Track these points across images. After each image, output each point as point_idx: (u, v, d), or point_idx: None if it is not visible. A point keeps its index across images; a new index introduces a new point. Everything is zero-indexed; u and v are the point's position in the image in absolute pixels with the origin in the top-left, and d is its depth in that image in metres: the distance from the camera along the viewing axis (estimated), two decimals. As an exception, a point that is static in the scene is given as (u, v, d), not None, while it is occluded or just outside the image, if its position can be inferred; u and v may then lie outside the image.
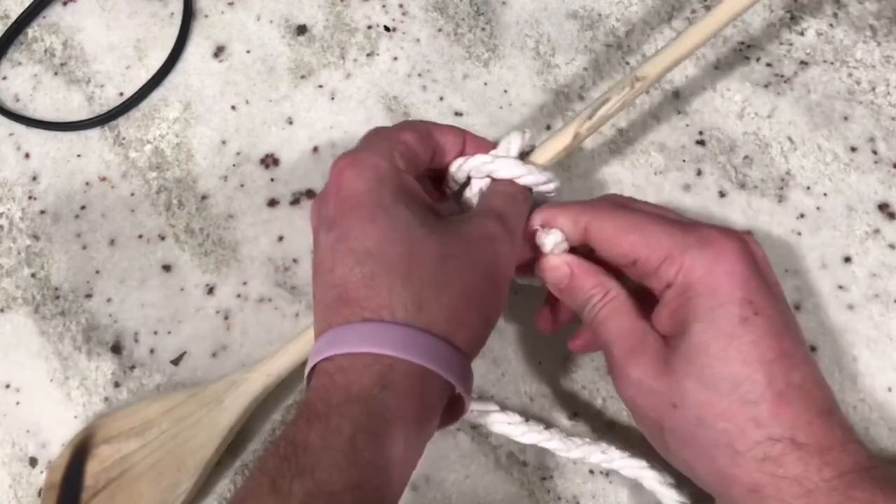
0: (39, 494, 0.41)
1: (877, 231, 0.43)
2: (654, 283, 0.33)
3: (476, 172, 0.37)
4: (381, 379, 0.29)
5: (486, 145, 0.38)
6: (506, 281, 0.33)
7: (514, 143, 0.38)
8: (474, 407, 0.36)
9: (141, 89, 0.48)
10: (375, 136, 0.35)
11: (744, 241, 0.32)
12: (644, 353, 0.33)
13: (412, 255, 0.31)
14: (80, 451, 0.40)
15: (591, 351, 0.40)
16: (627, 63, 0.47)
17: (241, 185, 0.46)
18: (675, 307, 0.32)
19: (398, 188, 0.33)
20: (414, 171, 0.35)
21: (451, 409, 0.32)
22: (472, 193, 0.38)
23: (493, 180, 0.37)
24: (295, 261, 0.44)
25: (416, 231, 0.31)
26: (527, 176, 0.37)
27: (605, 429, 0.41)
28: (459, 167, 0.37)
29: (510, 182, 0.37)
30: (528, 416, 0.38)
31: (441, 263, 0.31)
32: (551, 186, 0.37)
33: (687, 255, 0.32)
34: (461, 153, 0.37)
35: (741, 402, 0.30)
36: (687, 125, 0.46)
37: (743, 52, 0.47)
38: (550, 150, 0.38)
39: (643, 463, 0.37)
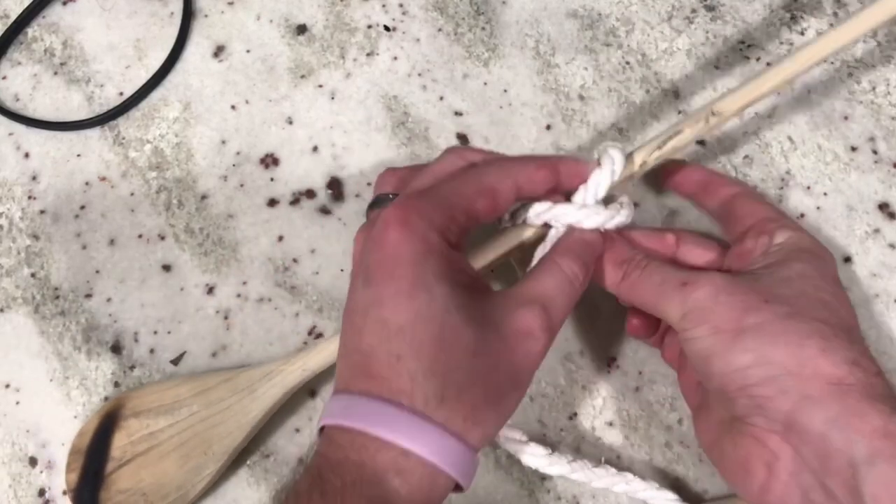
0: (40, 494, 0.41)
1: (877, 231, 0.43)
2: (752, 240, 0.36)
3: (555, 222, 0.36)
4: (394, 465, 0.29)
5: (582, 170, 0.36)
6: (530, 378, 0.33)
7: (618, 165, 0.36)
8: (503, 433, 0.37)
9: (141, 89, 0.48)
10: (438, 191, 0.33)
11: None
12: (716, 274, 0.34)
13: (442, 342, 0.30)
14: (109, 421, 0.40)
15: (643, 333, 0.39)
16: (627, 63, 0.47)
17: (241, 185, 0.46)
18: (774, 250, 0.35)
19: (443, 267, 0.31)
20: (471, 230, 0.34)
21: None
22: (549, 238, 0.36)
23: (565, 233, 0.36)
24: (295, 261, 0.44)
25: (452, 317, 0.31)
26: (611, 222, 0.36)
27: (605, 428, 0.41)
28: (538, 215, 0.36)
29: (578, 242, 0.35)
30: (529, 417, 0.38)
31: (471, 358, 0.30)
32: (627, 218, 0.37)
33: (801, 230, 0.36)
34: (554, 189, 0.36)
35: (836, 320, 0.32)
36: (687, 125, 0.46)
37: (743, 51, 0.47)
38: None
39: (670, 495, 0.37)
